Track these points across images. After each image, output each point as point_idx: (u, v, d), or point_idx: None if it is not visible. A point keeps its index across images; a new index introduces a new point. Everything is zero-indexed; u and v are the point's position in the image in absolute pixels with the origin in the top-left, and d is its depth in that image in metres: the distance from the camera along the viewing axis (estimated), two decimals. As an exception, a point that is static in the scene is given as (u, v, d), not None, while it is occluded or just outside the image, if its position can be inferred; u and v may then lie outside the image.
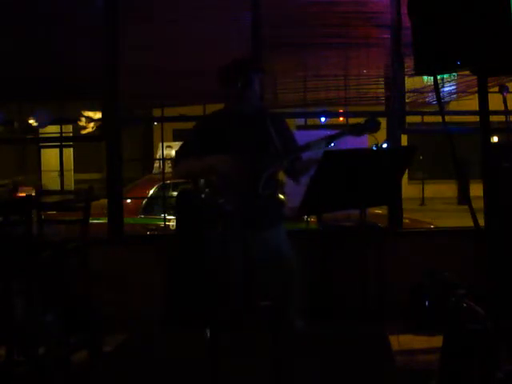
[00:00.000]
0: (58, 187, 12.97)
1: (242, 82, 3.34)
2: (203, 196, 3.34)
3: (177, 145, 15.19)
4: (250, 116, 3.43)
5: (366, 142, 4.00)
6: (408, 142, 7.89)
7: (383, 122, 5.10)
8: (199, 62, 4.98)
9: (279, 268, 3.36)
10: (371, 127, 3.25)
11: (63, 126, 5.69)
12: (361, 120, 3.35)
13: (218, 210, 3.20)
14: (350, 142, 3.43)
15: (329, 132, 3.36)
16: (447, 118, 2.89)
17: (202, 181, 3.43)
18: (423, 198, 18.35)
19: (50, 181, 15.11)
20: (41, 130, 5.80)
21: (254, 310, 3.19)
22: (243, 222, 3.22)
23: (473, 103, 4.20)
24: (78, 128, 5.36)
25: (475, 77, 2.91)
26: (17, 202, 3.92)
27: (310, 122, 6.93)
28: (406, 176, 10.87)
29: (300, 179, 3.46)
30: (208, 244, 3.30)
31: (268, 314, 3.22)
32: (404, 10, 4.62)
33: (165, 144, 7.58)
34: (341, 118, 6.78)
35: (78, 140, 11.71)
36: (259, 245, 3.32)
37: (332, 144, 3.20)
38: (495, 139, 7.30)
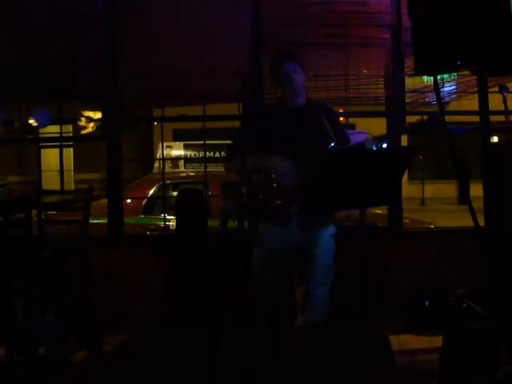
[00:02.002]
0: (58, 187, 12.97)
1: (277, 78, 3.33)
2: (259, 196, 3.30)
3: (177, 145, 15.24)
4: (301, 108, 3.38)
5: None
6: (408, 142, 7.89)
7: (383, 122, 5.14)
8: (199, 62, 4.98)
9: (318, 268, 3.37)
10: (430, 126, 3.24)
11: (63, 126, 5.69)
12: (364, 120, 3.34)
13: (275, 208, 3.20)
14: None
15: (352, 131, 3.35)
16: (447, 118, 2.90)
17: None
18: (423, 198, 18.36)
19: (50, 181, 15.12)
20: (41, 130, 5.81)
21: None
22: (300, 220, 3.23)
23: (473, 103, 4.20)
24: (78, 128, 5.36)
25: (475, 77, 2.91)
26: (17, 202, 3.92)
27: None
28: (406, 176, 10.85)
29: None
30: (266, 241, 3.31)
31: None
32: (404, 10, 4.61)
33: (165, 144, 7.58)
34: (341, 118, 6.78)
35: (77, 140, 11.72)
36: (311, 242, 3.33)
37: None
38: (495, 139, 7.29)
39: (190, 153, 13.85)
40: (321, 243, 3.38)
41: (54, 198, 4.70)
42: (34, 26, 4.98)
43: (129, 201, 6.51)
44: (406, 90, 5.14)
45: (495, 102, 3.50)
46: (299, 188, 3.17)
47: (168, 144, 13.95)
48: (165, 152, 7.11)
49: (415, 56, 2.78)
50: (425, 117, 5.57)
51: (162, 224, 5.80)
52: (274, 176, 3.24)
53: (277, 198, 3.22)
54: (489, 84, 3.24)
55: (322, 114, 3.30)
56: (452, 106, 5.56)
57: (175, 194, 6.15)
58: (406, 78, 5.07)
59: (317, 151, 3.20)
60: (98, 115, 5.18)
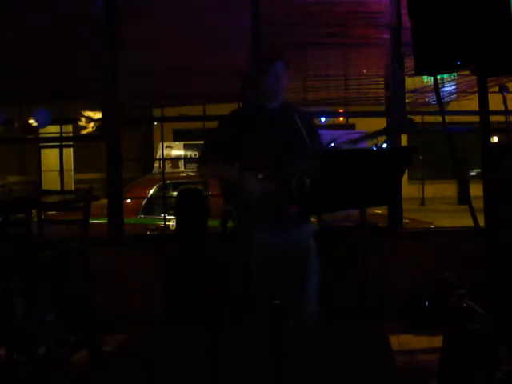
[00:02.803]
0: (58, 187, 12.97)
1: (267, 75, 3.29)
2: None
3: (177, 145, 15.23)
4: (274, 112, 3.37)
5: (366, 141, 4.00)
6: (408, 142, 7.90)
7: (383, 122, 5.13)
8: (199, 62, 4.98)
9: (305, 267, 3.36)
10: (404, 129, 3.23)
11: (63, 126, 5.69)
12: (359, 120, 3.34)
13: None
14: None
15: (329, 132, 3.35)
16: (447, 118, 2.90)
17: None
18: (423, 198, 18.36)
19: (50, 181, 15.13)
20: (41, 130, 5.81)
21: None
22: (271, 222, 3.22)
23: (473, 103, 4.20)
24: (78, 128, 5.36)
25: (475, 77, 2.91)
26: (17, 202, 3.92)
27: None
28: (406, 176, 10.86)
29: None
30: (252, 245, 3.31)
31: (268, 314, 3.22)
32: (404, 10, 4.62)
33: (165, 144, 7.58)
34: (341, 118, 6.79)
35: (77, 140, 11.73)
36: (288, 244, 3.32)
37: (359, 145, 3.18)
38: (495, 139, 7.30)
39: (189, 153, 13.87)
40: (300, 243, 3.36)
41: (54, 198, 4.69)
42: (34, 26, 4.98)
43: (129, 201, 6.50)
44: (406, 90, 5.14)
45: (495, 102, 3.50)
46: (271, 191, 3.18)
47: (168, 144, 13.96)
48: (165, 152, 7.11)
49: (415, 56, 2.78)
50: (425, 117, 5.59)
51: (162, 224, 5.80)
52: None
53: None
54: (489, 84, 3.25)
55: (296, 117, 3.29)
56: (452, 106, 5.56)
57: (175, 193, 6.14)
58: (406, 77, 5.07)
59: (290, 153, 3.21)
60: (98, 115, 5.18)
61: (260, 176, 3.26)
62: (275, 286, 3.35)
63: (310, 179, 3.36)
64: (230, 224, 3.19)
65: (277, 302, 2.88)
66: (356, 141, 3.17)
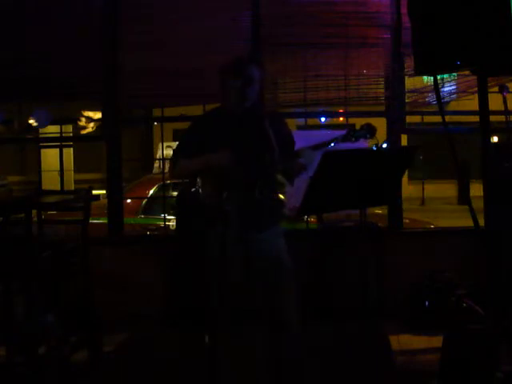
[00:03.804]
0: (58, 187, 12.96)
1: (239, 79, 3.27)
2: (202, 195, 3.30)
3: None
4: (244, 115, 3.33)
5: (366, 142, 4.00)
6: (408, 142, 7.90)
7: (383, 121, 5.13)
8: (199, 62, 4.98)
9: (277, 269, 3.33)
10: (365, 134, 3.20)
11: (63, 126, 5.69)
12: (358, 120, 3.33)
13: (217, 209, 3.17)
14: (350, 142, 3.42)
15: (329, 132, 3.34)
16: (447, 118, 2.89)
17: (199, 180, 3.40)
18: (423, 197, 18.35)
19: (50, 181, 15.11)
20: (41, 130, 5.80)
21: (249, 311, 3.18)
22: (242, 222, 3.20)
23: (473, 103, 4.20)
24: (78, 128, 5.36)
25: (475, 77, 2.90)
26: (17, 202, 3.92)
27: (310, 121, 6.93)
28: (406, 176, 10.86)
29: (293, 181, 3.41)
30: (209, 243, 3.27)
31: (268, 314, 3.22)
32: (404, 10, 4.61)
33: (165, 144, 7.57)
34: (341, 118, 6.79)
35: (77, 140, 11.70)
36: (258, 246, 3.30)
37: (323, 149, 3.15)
38: (495, 139, 7.30)
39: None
40: (267, 244, 3.31)
41: (53, 198, 4.68)
42: (35, 26, 4.98)
43: (129, 201, 6.50)
44: (406, 90, 5.14)
45: (495, 102, 3.50)
46: (244, 188, 3.16)
47: (168, 144, 13.93)
48: (165, 152, 7.10)
49: (415, 56, 2.78)
50: (425, 117, 5.59)
51: (162, 224, 5.80)
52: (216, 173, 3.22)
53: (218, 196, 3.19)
54: (489, 84, 3.24)
55: (266, 120, 3.27)
56: (452, 106, 5.56)
57: (175, 193, 6.14)
58: (406, 77, 5.07)
59: (256, 158, 3.19)
60: (97, 115, 5.17)
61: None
62: (245, 287, 3.32)
63: (289, 181, 3.37)
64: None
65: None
66: (323, 144, 3.14)
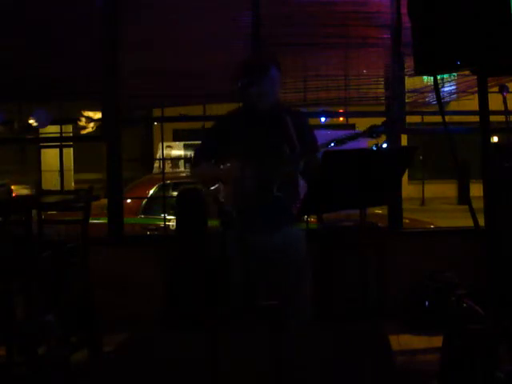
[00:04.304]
0: (58, 187, 12.97)
1: (257, 78, 3.27)
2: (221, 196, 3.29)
3: (177, 145, 15.22)
4: (265, 113, 3.36)
5: (366, 142, 4.00)
6: (408, 142, 7.90)
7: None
8: (199, 62, 4.98)
9: (295, 268, 3.35)
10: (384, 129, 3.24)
11: (63, 126, 5.69)
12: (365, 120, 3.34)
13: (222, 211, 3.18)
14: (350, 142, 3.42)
15: (329, 132, 3.35)
16: (447, 118, 2.89)
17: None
18: (423, 198, 18.36)
19: (50, 181, 15.11)
20: (41, 130, 5.80)
21: (255, 310, 3.17)
22: (255, 223, 3.21)
23: (473, 103, 4.20)
24: (78, 128, 5.36)
25: (475, 77, 2.90)
26: (17, 202, 3.92)
27: (310, 121, 6.92)
28: (406, 176, 10.85)
29: (311, 181, 3.41)
30: (212, 244, 3.29)
31: (268, 313, 3.22)
32: (404, 10, 4.62)
33: (165, 144, 7.58)
34: (341, 118, 6.79)
35: (77, 140, 11.70)
36: (272, 246, 3.31)
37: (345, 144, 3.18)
38: (495, 139, 7.30)
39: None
40: (288, 246, 3.34)
41: (54, 198, 4.68)
42: (34, 26, 4.98)
43: (129, 201, 6.50)
44: (406, 90, 5.14)
45: (495, 102, 3.51)
46: (258, 191, 3.19)
47: (168, 144, 13.96)
48: (165, 152, 7.10)
49: (415, 56, 2.77)
50: (425, 117, 5.59)
51: (162, 224, 5.80)
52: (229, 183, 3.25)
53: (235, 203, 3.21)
54: (489, 84, 3.24)
55: (287, 118, 3.29)
56: (452, 106, 5.57)
57: (175, 193, 6.14)
58: (406, 77, 5.07)
59: (278, 157, 3.21)
60: (97, 115, 5.18)
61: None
62: (261, 287, 3.33)
63: (306, 180, 3.37)
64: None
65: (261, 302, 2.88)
66: (342, 140, 3.16)
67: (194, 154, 3.66)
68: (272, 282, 3.33)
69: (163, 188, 6.35)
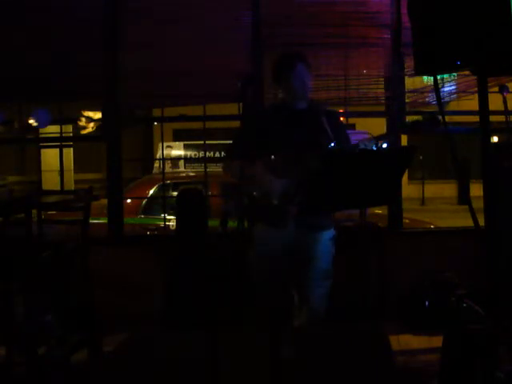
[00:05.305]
0: (58, 187, 12.97)
1: (293, 75, 3.31)
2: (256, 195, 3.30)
3: (177, 145, 15.21)
4: (303, 111, 3.40)
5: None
6: (408, 142, 7.90)
7: (383, 122, 5.14)
8: (199, 62, 4.98)
9: (325, 269, 3.36)
10: (428, 126, 3.25)
11: (63, 126, 5.69)
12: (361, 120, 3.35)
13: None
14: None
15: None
16: (447, 118, 2.89)
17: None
18: (423, 198, 18.35)
19: (50, 181, 15.12)
20: (41, 130, 5.81)
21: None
22: (302, 223, 3.24)
23: (473, 103, 4.20)
24: (78, 128, 5.36)
25: (475, 77, 2.90)
26: (17, 202, 3.91)
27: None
28: (406, 176, 10.84)
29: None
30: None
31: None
32: (404, 9, 4.61)
33: (165, 144, 7.58)
34: (341, 118, 6.78)
35: (77, 140, 11.72)
36: (310, 244, 3.33)
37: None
38: (495, 139, 7.29)
39: (190, 153, 13.86)
40: (319, 246, 3.36)
41: (53, 198, 4.68)
42: (35, 26, 4.98)
43: (129, 201, 6.51)
44: (406, 90, 5.14)
45: (495, 102, 3.50)
46: (294, 191, 3.18)
47: (168, 144, 13.95)
48: (165, 152, 7.10)
49: (415, 56, 2.78)
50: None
51: (162, 224, 5.80)
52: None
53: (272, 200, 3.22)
54: (489, 84, 3.24)
55: (323, 117, 3.31)
56: (452, 106, 5.57)
57: (175, 193, 6.14)
58: (406, 77, 5.07)
59: (316, 154, 3.21)
60: (97, 115, 5.18)
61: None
62: (279, 285, 3.35)
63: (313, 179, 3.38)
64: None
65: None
66: (377, 138, 3.20)
67: (227, 149, 3.67)
68: (298, 277, 3.37)
69: (163, 188, 6.35)
